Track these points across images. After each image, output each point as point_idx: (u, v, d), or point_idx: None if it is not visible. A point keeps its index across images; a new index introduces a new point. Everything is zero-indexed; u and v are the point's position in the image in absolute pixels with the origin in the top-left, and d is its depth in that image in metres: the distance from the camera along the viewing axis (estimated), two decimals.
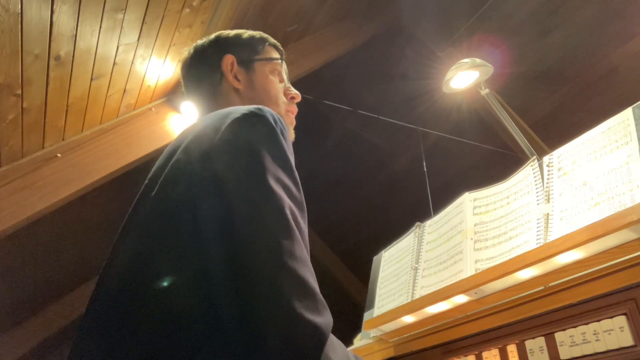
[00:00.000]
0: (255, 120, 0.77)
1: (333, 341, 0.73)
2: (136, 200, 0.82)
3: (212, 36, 1.10)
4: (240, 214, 0.68)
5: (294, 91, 1.11)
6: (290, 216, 0.71)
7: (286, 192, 0.74)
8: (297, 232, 0.72)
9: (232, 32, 1.10)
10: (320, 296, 0.70)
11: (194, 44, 1.11)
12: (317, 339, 0.65)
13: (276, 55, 1.11)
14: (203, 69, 1.07)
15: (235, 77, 1.05)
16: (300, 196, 0.78)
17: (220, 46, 1.07)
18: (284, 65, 1.13)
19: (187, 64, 1.10)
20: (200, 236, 0.70)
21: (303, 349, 0.64)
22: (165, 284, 0.69)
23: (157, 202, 0.76)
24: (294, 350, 0.63)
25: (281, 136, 0.78)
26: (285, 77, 1.12)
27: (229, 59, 1.05)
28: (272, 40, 1.12)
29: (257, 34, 1.11)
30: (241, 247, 0.66)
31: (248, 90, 1.04)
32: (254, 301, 0.64)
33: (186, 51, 1.11)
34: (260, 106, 0.81)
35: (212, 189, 0.71)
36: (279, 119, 0.80)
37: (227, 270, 0.66)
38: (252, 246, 0.66)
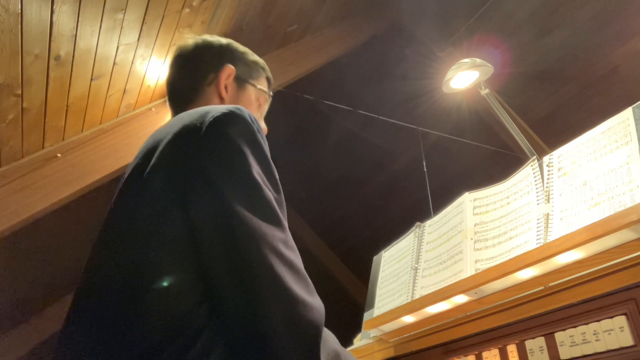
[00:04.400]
0: (235, 118, 0.80)
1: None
2: (113, 203, 0.83)
3: (224, 40, 1.13)
4: (234, 208, 0.71)
5: (264, 125, 1.14)
6: (277, 207, 0.76)
7: (268, 186, 0.78)
8: (285, 222, 0.76)
9: (241, 47, 1.14)
10: (310, 281, 0.75)
11: (203, 36, 1.12)
12: (319, 317, 0.70)
13: (266, 88, 1.16)
14: (201, 63, 1.09)
15: (225, 87, 1.08)
16: (280, 193, 0.81)
17: (227, 53, 1.11)
18: (269, 101, 1.18)
19: (188, 50, 1.11)
20: (191, 230, 0.72)
21: (307, 328, 0.68)
22: (159, 279, 0.71)
23: (141, 202, 0.77)
24: (298, 329, 0.68)
25: (259, 134, 0.82)
26: (264, 109, 1.17)
27: (230, 69, 1.08)
28: (269, 73, 1.17)
29: (261, 61, 1.16)
30: (239, 238, 0.69)
31: (230, 103, 1.08)
32: (256, 288, 0.67)
33: (191, 39, 1.12)
34: (238, 106, 0.84)
35: (203, 186, 0.73)
36: (255, 118, 0.84)
37: (226, 261, 0.69)
38: (249, 236, 0.70)
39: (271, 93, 1.17)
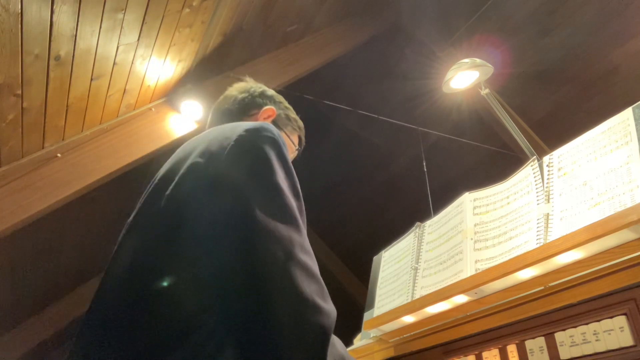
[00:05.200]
0: (262, 131, 0.86)
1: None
2: (144, 200, 0.87)
3: (275, 92, 1.28)
4: (255, 210, 0.73)
5: None
6: (297, 213, 0.79)
7: (290, 193, 0.81)
8: (303, 227, 0.79)
9: (287, 104, 1.29)
10: (325, 286, 0.76)
11: (261, 86, 1.27)
12: (329, 322, 0.71)
13: (296, 144, 1.28)
14: (251, 98, 1.23)
15: None
16: (300, 202, 0.84)
17: (275, 100, 1.25)
18: (295, 155, 1.29)
19: (246, 87, 1.26)
20: (214, 231, 0.74)
21: (315, 331, 0.69)
22: (176, 276, 0.73)
23: (172, 201, 0.81)
24: (306, 331, 0.68)
25: (283, 147, 0.87)
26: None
27: (271, 110, 1.21)
28: (303, 135, 1.31)
29: (300, 122, 1.30)
30: (257, 239, 0.71)
31: None
32: (267, 286, 0.69)
33: (252, 84, 1.27)
34: (265, 122, 0.93)
35: (228, 188, 0.77)
36: (279, 134, 0.89)
37: (242, 260, 0.71)
38: (267, 238, 0.72)
39: (299, 148, 1.29)
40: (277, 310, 0.68)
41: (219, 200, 0.76)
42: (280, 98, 1.28)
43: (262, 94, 1.24)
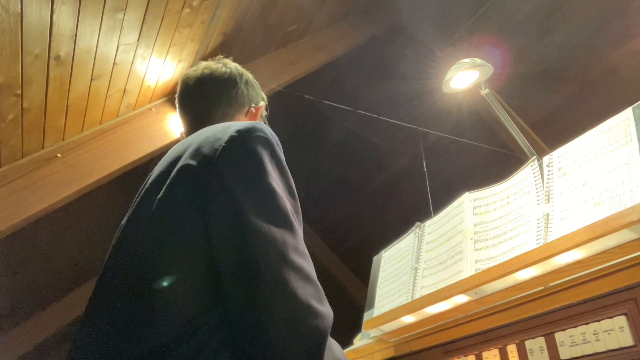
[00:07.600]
0: (255, 131, 0.85)
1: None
2: (137, 203, 0.86)
3: (247, 72, 1.18)
4: (247, 213, 0.73)
5: None
6: (292, 215, 0.77)
7: (284, 194, 0.80)
8: (298, 228, 0.78)
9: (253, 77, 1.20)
10: (321, 288, 0.75)
11: (236, 67, 1.16)
12: (324, 325, 0.71)
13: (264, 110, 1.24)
14: (240, 91, 1.13)
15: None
16: (296, 201, 0.83)
17: (258, 87, 1.19)
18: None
19: (223, 75, 1.13)
20: (208, 234, 0.74)
21: (311, 335, 0.69)
22: (173, 280, 0.72)
23: (164, 204, 0.80)
24: (302, 335, 0.68)
25: (277, 146, 0.86)
26: None
27: (263, 107, 1.18)
28: (266, 107, 1.27)
29: (263, 94, 1.24)
30: (250, 242, 0.71)
31: None
32: (261, 290, 0.68)
33: (221, 63, 1.15)
34: (258, 122, 0.89)
35: (221, 191, 0.76)
36: (273, 133, 0.88)
37: (236, 264, 0.70)
38: (260, 241, 0.71)
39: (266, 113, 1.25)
40: (272, 314, 0.67)
41: (211, 204, 0.75)
42: (252, 78, 1.20)
43: (253, 87, 1.17)
